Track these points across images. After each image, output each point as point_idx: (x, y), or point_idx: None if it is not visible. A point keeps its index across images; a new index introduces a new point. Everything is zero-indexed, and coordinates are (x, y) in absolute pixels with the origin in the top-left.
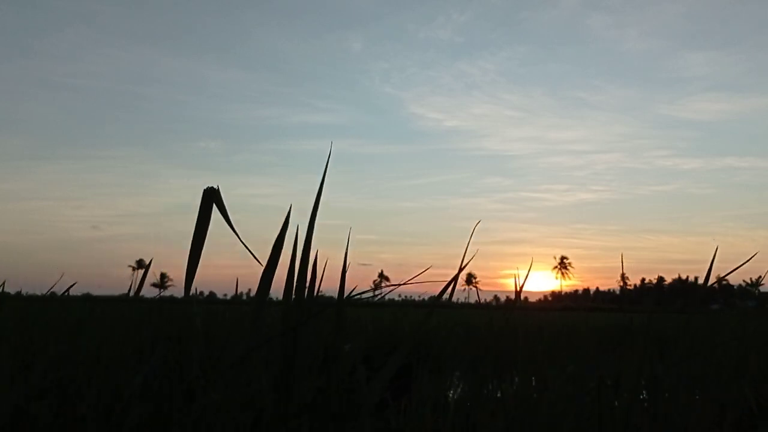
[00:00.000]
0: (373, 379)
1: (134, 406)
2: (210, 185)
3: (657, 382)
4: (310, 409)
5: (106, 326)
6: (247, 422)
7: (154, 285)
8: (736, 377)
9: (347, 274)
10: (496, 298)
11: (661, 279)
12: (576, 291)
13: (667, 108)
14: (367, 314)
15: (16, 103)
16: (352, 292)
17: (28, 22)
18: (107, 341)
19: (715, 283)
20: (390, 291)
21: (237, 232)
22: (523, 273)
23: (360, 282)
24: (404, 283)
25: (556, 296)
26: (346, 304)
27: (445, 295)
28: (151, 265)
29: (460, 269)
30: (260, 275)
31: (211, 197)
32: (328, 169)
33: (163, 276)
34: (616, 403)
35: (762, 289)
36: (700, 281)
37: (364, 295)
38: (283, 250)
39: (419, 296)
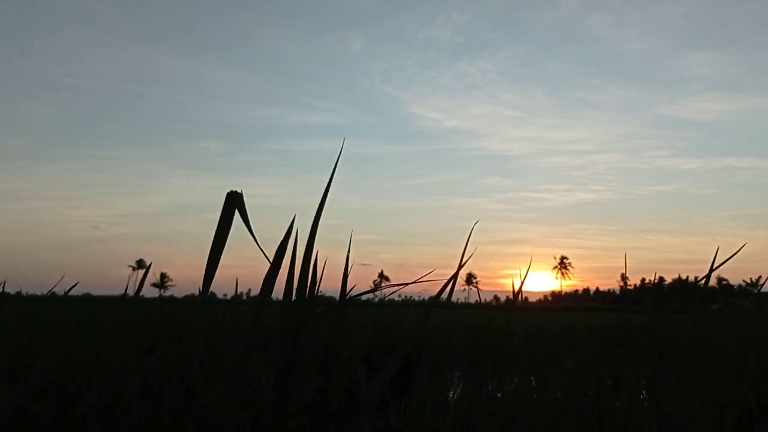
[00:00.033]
0: (373, 379)
1: (134, 406)
2: (233, 189)
3: (657, 382)
4: (310, 409)
5: (106, 326)
6: (247, 422)
7: (154, 285)
8: (736, 377)
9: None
10: (496, 298)
11: (661, 279)
12: (576, 291)
13: (667, 108)
14: (367, 314)
15: (16, 103)
16: (350, 291)
17: (28, 22)
18: (107, 341)
19: (715, 283)
20: (392, 292)
21: (255, 236)
22: (523, 273)
23: (360, 282)
24: (405, 285)
25: (556, 296)
26: (347, 304)
27: (445, 295)
28: (152, 265)
29: (459, 269)
30: (264, 275)
31: (234, 201)
32: (332, 167)
33: (163, 276)
34: (616, 403)
35: (762, 289)
36: (701, 281)
37: (365, 296)
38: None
39: (419, 296)
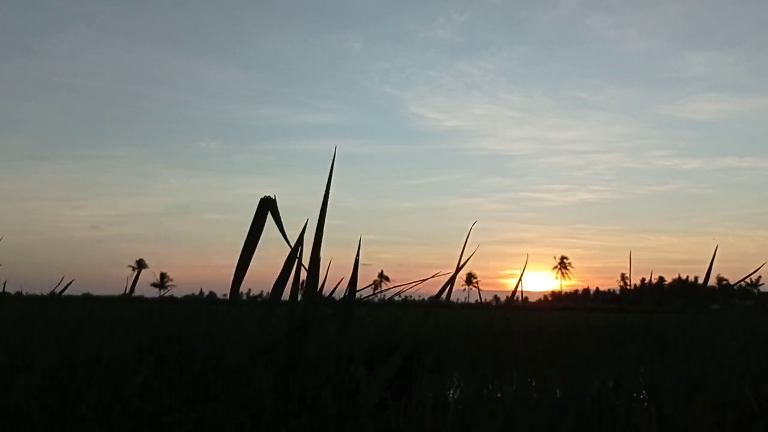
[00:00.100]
0: (373, 378)
1: (134, 406)
2: (267, 195)
3: (657, 382)
4: (310, 409)
5: (106, 326)
6: (247, 422)
7: (154, 285)
8: (736, 377)
9: (345, 273)
10: (496, 298)
11: (661, 279)
12: (576, 291)
13: (667, 108)
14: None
15: (16, 103)
16: (346, 291)
17: (28, 22)
18: (107, 341)
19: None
20: (395, 293)
21: (289, 241)
22: (520, 273)
23: (360, 282)
24: (412, 284)
25: (556, 296)
26: (357, 304)
27: (444, 295)
28: (152, 265)
29: (458, 270)
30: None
31: (267, 205)
32: (329, 170)
33: (163, 276)
34: (616, 403)
35: (762, 289)
36: (700, 281)
37: (365, 295)
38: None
39: (419, 296)
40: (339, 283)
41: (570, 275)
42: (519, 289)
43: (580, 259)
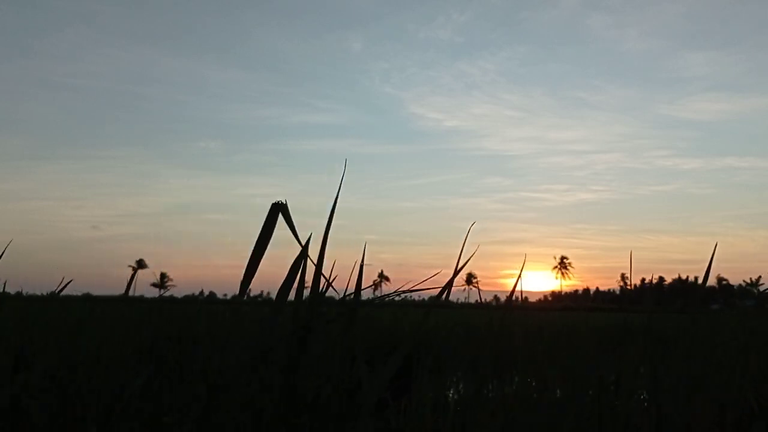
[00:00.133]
0: (373, 378)
1: (134, 406)
2: (278, 200)
3: (657, 382)
4: (310, 409)
5: (106, 326)
6: (248, 422)
7: (154, 285)
8: (736, 377)
9: (347, 274)
10: (496, 298)
11: (661, 279)
12: (576, 291)
13: (667, 108)
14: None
15: (16, 103)
16: (347, 291)
17: (28, 22)
18: (107, 341)
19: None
20: (395, 294)
21: (302, 243)
22: (524, 273)
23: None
24: (413, 286)
25: (556, 296)
26: (362, 304)
27: (445, 297)
28: (152, 265)
29: (458, 271)
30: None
31: (278, 210)
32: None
33: (163, 276)
34: (616, 403)
35: (762, 288)
36: (701, 281)
37: (377, 296)
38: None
39: (419, 296)
40: (347, 284)
41: (570, 275)
42: (519, 289)
43: (580, 259)
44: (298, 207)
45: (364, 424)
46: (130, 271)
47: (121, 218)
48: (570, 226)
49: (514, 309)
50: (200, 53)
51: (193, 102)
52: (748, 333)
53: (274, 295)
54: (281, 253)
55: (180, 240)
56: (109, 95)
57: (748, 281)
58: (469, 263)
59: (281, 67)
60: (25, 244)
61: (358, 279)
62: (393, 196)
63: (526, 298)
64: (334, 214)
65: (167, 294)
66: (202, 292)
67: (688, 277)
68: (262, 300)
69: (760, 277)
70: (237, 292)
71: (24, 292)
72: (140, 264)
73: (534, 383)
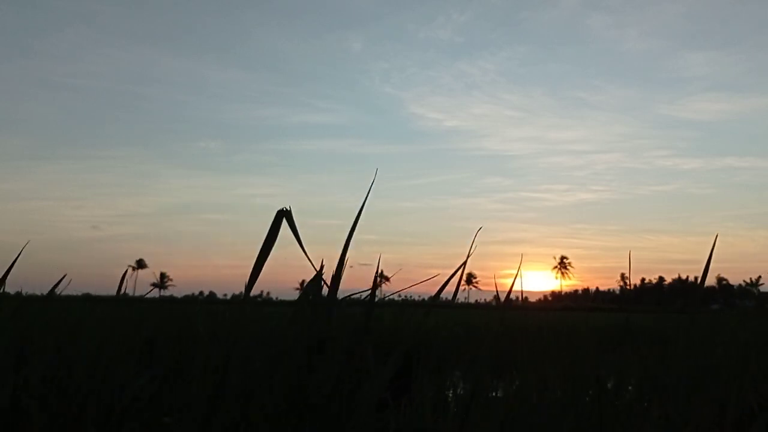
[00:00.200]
0: (373, 378)
1: (134, 407)
2: (278, 199)
3: (657, 382)
4: (310, 409)
5: (106, 326)
6: (261, 424)
7: (154, 285)
8: (736, 377)
9: (347, 274)
10: (496, 298)
11: (661, 279)
12: (576, 291)
13: (667, 108)
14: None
15: (16, 103)
16: (356, 293)
17: (28, 22)
18: (107, 341)
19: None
20: (394, 294)
21: (305, 250)
22: (524, 273)
23: (360, 282)
24: (400, 289)
25: (556, 296)
26: (376, 305)
27: (451, 297)
28: (152, 265)
29: (461, 272)
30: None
31: (283, 217)
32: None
33: (163, 276)
34: (617, 403)
35: (762, 288)
36: (700, 280)
37: (365, 296)
38: (288, 252)
39: (419, 296)
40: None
41: (570, 275)
42: (519, 289)
43: (580, 259)
44: (298, 207)
45: (364, 424)
46: (130, 271)
47: (121, 218)
48: (570, 226)
49: (513, 309)
50: (200, 53)
51: (193, 102)
52: (748, 333)
53: (274, 296)
54: (281, 253)
55: (180, 240)
56: (109, 95)
57: (748, 281)
58: (469, 263)
59: (281, 67)
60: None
61: (374, 281)
62: (393, 196)
63: (526, 298)
64: (335, 214)
65: (167, 294)
66: (201, 293)
67: (688, 277)
68: (262, 300)
69: (760, 277)
70: (237, 292)
71: (24, 292)
72: (140, 264)
73: (534, 383)
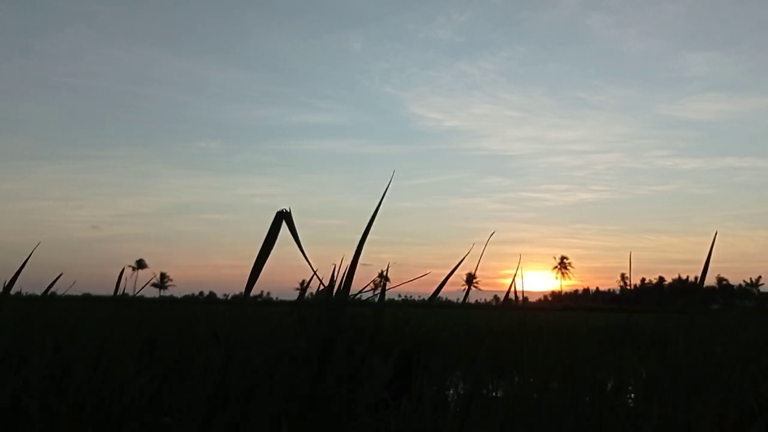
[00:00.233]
0: (371, 378)
1: (134, 407)
2: (278, 200)
3: (657, 382)
4: (310, 409)
5: (107, 326)
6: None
7: (155, 285)
8: (736, 377)
9: (335, 273)
10: (495, 298)
11: (661, 279)
12: (576, 291)
13: (667, 108)
14: (367, 314)
15: (16, 103)
16: (359, 292)
17: (28, 22)
18: (107, 341)
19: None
20: (395, 294)
21: (305, 252)
22: (524, 273)
23: (360, 282)
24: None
25: (556, 296)
26: (386, 305)
27: (462, 299)
28: (152, 265)
29: (454, 271)
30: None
31: (282, 218)
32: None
33: (163, 276)
34: (617, 403)
35: (762, 288)
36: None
37: (365, 296)
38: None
39: (419, 296)
40: (367, 285)
41: (570, 275)
42: (519, 289)
43: (580, 259)
44: (298, 207)
45: (363, 424)
46: (130, 271)
47: (121, 218)
48: (570, 226)
49: (513, 309)
50: (200, 53)
51: (193, 102)
52: (749, 333)
53: (274, 296)
54: (281, 253)
55: (180, 240)
56: (109, 95)
57: (748, 281)
58: (468, 263)
59: (281, 67)
60: (25, 244)
61: (383, 282)
62: (393, 196)
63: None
64: (335, 214)
65: (167, 294)
66: (201, 293)
67: (688, 277)
68: (262, 300)
69: (760, 277)
70: (237, 292)
71: (24, 292)
72: (140, 264)
73: (534, 383)
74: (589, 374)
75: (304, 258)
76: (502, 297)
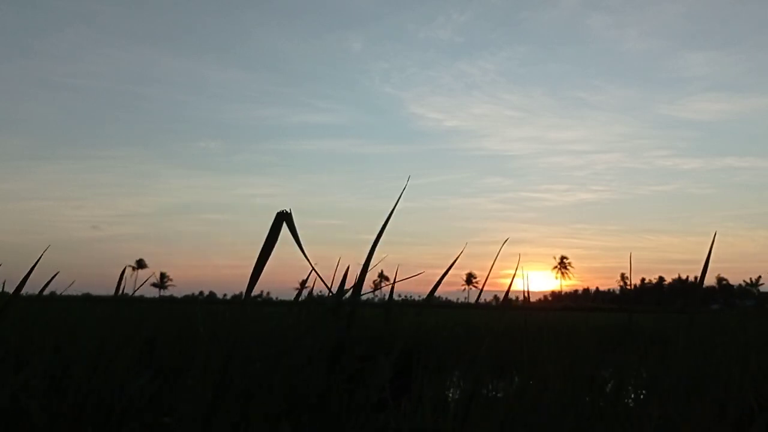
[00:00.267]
0: (370, 378)
1: (134, 407)
2: (278, 202)
3: (657, 382)
4: (311, 409)
5: (107, 326)
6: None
7: (155, 285)
8: (736, 377)
9: (347, 274)
10: (495, 298)
11: (661, 279)
12: (576, 291)
13: (667, 108)
14: (367, 314)
15: (16, 103)
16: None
17: (28, 22)
18: (107, 341)
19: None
20: (395, 294)
21: (306, 253)
22: (523, 273)
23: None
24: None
25: (556, 296)
26: (396, 305)
27: (476, 299)
28: (152, 265)
29: (449, 270)
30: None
31: (282, 219)
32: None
33: (163, 276)
34: (617, 403)
35: (762, 289)
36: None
37: (365, 296)
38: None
39: (419, 296)
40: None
41: (570, 275)
42: (519, 288)
43: (580, 259)
44: (298, 207)
45: (364, 424)
46: (130, 271)
47: (121, 218)
48: (570, 226)
49: (513, 309)
50: (200, 53)
51: (193, 102)
52: (749, 333)
53: (274, 296)
54: (281, 253)
55: (180, 240)
56: (109, 95)
57: (748, 281)
58: (469, 263)
59: (281, 67)
60: (25, 244)
61: (393, 282)
62: (393, 196)
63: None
64: (335, 214)
65: (167, 294)
66: (201, 293)
67: (688, 277)
68: (261, 300)
69: (760, 277)
70: (237, 292)
71: (24, 292)
72: (140, 264)
73: (534, 383)
74: (589, 374)
75: (305, 259)
76: (501, 297)
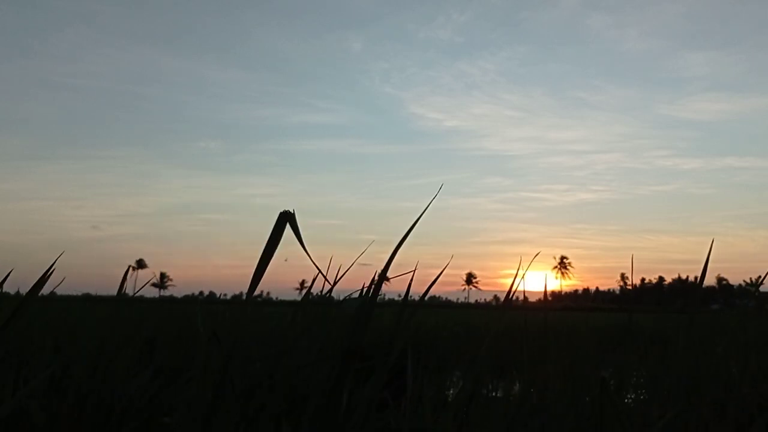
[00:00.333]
0: (370, 378)
1: (135, 407)
2: (278, 201)
3: (657, 382)
4: (310, 409)
5: (107, 326)
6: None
7: (155, 285)
8: (736, 377)
9: (348, 274)
10: (495, 298)
11: (661, 279)
12: (576, 291)
13: (667, 108)
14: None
15: (16, 103)
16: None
17: (28, 22)
18: (107, 341)
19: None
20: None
21: (309, 253)
22: (522, 273)
23: (360, 282)
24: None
25: (556, 296)
26: (409, 305)
27: (460, 299)
28: (152, 265)
29: (444, 270)
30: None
31: (286, 219)
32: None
33: (163, 276)
34: (617, 403)
35: (762, 288)
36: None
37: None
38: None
39: (419, 296)
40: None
41: (570, 275)
42: (520, 289)
43: (580, 259)
44: (298, 207)
45: (364, 424)
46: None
47: (121, 218)
48: (570, 226)
49: (513, 309)
50: (200, 53)
51: (193, 102)
52: (749, 333)
53: (274, 296)
54: (282, 253)
55: (180, 240)
56: (109, 95)
57: (748, 281)
58: (469, 263)
59: (281, 67)
60: (25, 244)
61: (408, 284)
62: (393, 196)
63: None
64: (335, 214)
65: (167, 294)
66: (201, 293)
67: (688, 277)
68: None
69: (759, 277)
70: (237, 292)
71: (24, 292)
72: (140, 264)
73: (534, 383)
74: (589, 374)
75: (309, 259)
76: (501, 297)
